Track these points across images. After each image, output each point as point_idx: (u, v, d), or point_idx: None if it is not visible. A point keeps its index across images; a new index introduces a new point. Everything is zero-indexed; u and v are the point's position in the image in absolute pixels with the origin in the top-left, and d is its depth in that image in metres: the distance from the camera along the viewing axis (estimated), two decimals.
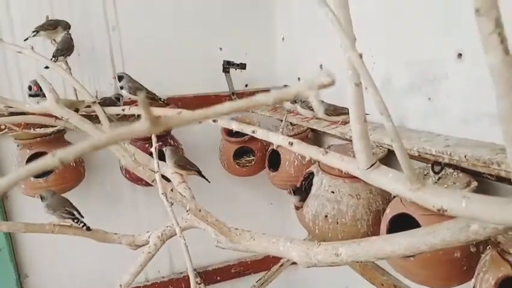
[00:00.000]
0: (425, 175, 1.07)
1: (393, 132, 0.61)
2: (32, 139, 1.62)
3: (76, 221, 1.13)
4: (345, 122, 1.33)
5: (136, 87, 1.54)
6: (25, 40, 1.56)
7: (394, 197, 1.29)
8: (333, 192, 1.25)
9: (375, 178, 0.68)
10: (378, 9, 1.34)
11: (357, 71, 0.68)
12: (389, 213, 1.10)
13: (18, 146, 1.66)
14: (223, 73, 1.96)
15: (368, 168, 0.68)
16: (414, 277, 1.06)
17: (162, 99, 1.72)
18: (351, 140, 1.34)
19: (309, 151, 0.82)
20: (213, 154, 2.02)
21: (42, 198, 1.15)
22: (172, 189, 1.12)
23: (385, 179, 0.67)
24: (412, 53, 1.25)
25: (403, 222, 1.06)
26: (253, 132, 1.07)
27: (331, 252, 0.89)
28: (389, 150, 1.21)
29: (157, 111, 1.45)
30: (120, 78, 1.54)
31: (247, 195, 2.19)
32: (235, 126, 1.15)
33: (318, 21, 1.71)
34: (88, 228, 1.15)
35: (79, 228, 1.15)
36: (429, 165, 1.06)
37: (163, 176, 1.24)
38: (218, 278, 2.16)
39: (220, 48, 2.04)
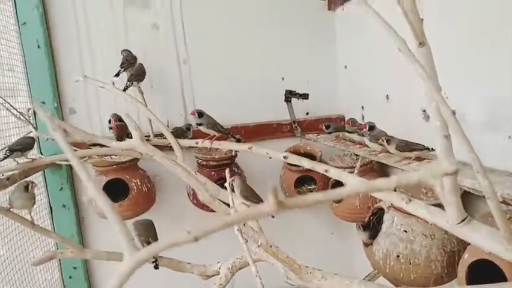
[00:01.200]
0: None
1: (490, 191, 0.60)
2: (108, 166, 1.74)
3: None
4: (420, 158, 1.31)
5: (213, 123, 1.61)
6: (116, 76, 1.69)
7: None
8: (405, 231, 1.22)
9: (466, 233, 0.67)
10: (452, 41, 1.32)
11: (445, 122, 0.68)
12: (468, 257, 1.06)
13: (95, 172, 1.79)
14: (285, 102, 1.99)
15: (458, 223, 0.67)
16: None
17: (235, 136, 1.78)
18: None
19: (391, 198, 0.81)
20: (274, 182, 2.04)
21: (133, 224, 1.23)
22: (244, 224, 1.15)
23: (478, 235, 0.66)
24: (489, 88, 1.20)
25: (483, 268, 1.01)
26: (326, 171, 1.08)
27: None
28: (464, 191, 1.16)
29: (230, 145, 1.51)
30: (200, 115, 1.62)
31: (308, 224, 2.19)
32: (306, 164, 1.17)
33: (382, 51, 1.70)
34: (156, 267, 1.20)
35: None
36: None
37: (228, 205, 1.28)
38: None
39: (283, 78, 2.08)
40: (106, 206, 0.41)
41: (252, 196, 1.62)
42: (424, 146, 1.31)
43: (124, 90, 1.60)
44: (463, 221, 0.67)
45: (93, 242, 1.93)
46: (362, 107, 1.94)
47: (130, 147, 1.11)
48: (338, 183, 1.76)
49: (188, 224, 2.04)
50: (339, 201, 1.74)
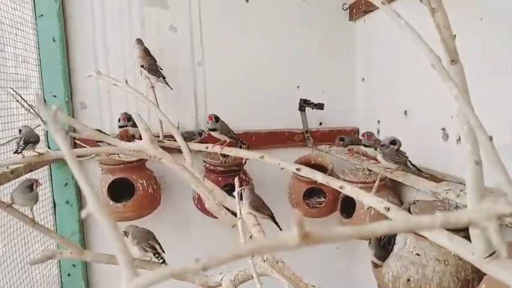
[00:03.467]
0: None
1: None
2: (115, 165, 1.71)
3: (156, 256, 1.15)
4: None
5: (227, 129, 1.58)
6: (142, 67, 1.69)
7: None
8: (418, 254, 1.17)
9: (493, 269, 0.62)
10: (477, 58, 1.26)
11: (477, 146, 0.63)
12: None
13: (102, 170, 1.76)
14: (299, 111, 1.95)
15: (486, 258, 0.62)
16: None
17: (244, 143, 1.75)
18: (439, 200, 1.26)
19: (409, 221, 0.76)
20: (282, 191, 2.00)
21: (125, 233, 1.19)
22: (251, 237, 1.10)
23: (507, 273, 0.60)
24: None
25: None
26: (341, 188, 1.04)
27: None
28: None
29: (241, 153, 1.47)
30: (217, 119, 1.58)
31: None
32: (320, 178, 1.12)
33: (403, 65, 1.65)
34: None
35: (157, 264, 1.17)
36: None
37: (233, 213, 1.23)
38: None
39: (298, 86, 2.04)
40: (107, 223, 0.36)
41: (261, 207, 1.57)
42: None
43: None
44: (491, 255, 0.62)
45: (95, 240, 1.89)
46: (378, 121, 1.89)
47: (139, 148, 1.08)
48: (348, 198, 1.71)
49: (192, 230, 2.01)
50: (348, 216, 1.69)
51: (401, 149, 1.41)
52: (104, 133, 1.35)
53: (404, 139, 1.44)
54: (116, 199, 1.73)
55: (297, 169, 1.15)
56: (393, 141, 1.42)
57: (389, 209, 0.84)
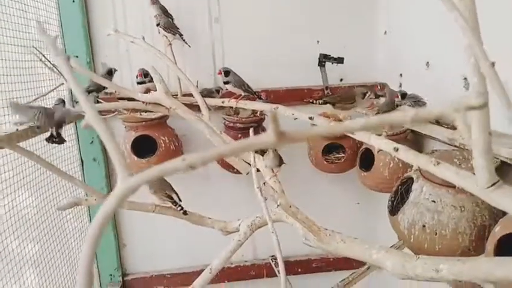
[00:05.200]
0: None
1: None
2: (138, 122, 1.76)
3: (174, 204, 1.20)
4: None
5: (240, 82, 1.58)
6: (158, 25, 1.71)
7: (505, 213, 1.17)
8: (434, 201, 1.17)
9: (496, 199, 0.62)
10: (502, 4, 1.20)
11: (483, 79, 0.62)
12: (500, 231, 1.00)
13: (125, 127, 1.82)
14: (319, 67, 1.92)
15: (488, 187, 0.62)
16: None
17: (261, 97, 1.75)
18: (458, 147, 1.24)
19: (418, 160, 0.76)
20: (301, 148, 2.00)
21: None
22: (264, 183, 1.13)
23: (509, 201, 0.60)
24: None
25: None
26: (353, 132, 1.03)
27: (431, 267, 0.83)
28: (502, 162, 1.09)
29: (255, 105, 1.48)
30: (227, 73, 1.58)
31: (334, 192, 2.15)
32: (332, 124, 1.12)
33: (425, 15, 1.59)
34: (185, 213, 1.22)
35: (177, 211, 1.22)
36: None
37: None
38: (299, 269, 2.16)
39: (318, 41, 2.00)
40: (100, 128, 0.39)
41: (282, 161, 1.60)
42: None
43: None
44: (493, 184, 0.62)
45: None
46: (400, 75, 1.84)
47: (155, 99, 1.11)
48: (367, 152, 1.71)
49: (212, 185, 2.07)
50: (367, 170, 1.69)
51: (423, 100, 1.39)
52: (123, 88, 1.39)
53: (426, 91, 1.41)
54: (140, 156, 1.80)
55: (310, 118, 1.16)
56: (404, 94, 1.39)
57: (397, 149, 0.84)
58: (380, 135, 1.04)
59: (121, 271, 2.03)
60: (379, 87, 1.55)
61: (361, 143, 1.84)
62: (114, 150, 0.39)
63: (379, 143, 0.90)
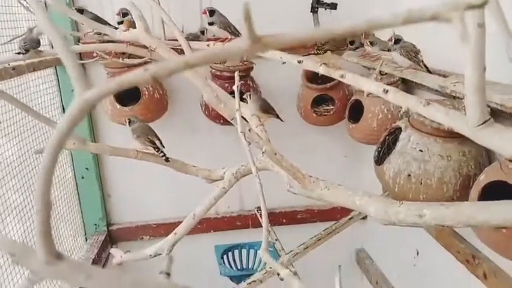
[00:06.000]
0: None
1: None
2: (120, 68, 1.69)
3: (156, 150, 1.17)
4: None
5: (226, 23, 1.49)
6: None
7: (490, 162, 1.17)
8: (421, 150, 1.15)
9: (485, 137, 0.60)
10: None
11: (489, 7, 0.57)
12: (484, 179, 0.99)
13: (107, 74, 1.75)
14: (311, 13, 1.84)
15: (479, 125, 0.59)
16: (504, 251, 0.96)
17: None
18: (450, 96, 1.21)
19: (408, 101, 0.73)
20: (290, 100, 1.96)
21: (129, 122, 1.21)
22: (250, 130, 1.10)
23: (500, 138, 0.58)
24: None
25: (498, 192, 0.95)
26: (342, 76, 0.99)
27: (414, 213, 0.82)
28: (493, 111, 1.06)
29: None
30: (211, 13, 1.49)
31: (322, 145, 2.14)
32: (322, 70, 1.08)
33: None
34: (167, 159, 1.19)
35: (160, 157, 1.19)
36: None
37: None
38: (284, 220, 2.19)
39: None
40: (57, 41, 0.35)
41: (270, 109, 1.57)
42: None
43: None
44: (484, 122, 0.59)
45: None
46: None
47: (134, 38, 1.05)
48: (356, 104, 1.67)
49: (199, 136, 2.03)
50: (356, 122, 1.66)
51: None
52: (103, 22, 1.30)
53: (417, 41, 1.36)
54: (123, 105, 1.74)
55: (299, 61, 1.11)
56: (398, 40, 1.34)
57: (387, 91, 0.81)
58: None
59: (105, 221, 2.02)
60: (363, 35, 1.49)
61: (351, 95, 1.80)
62: (70, 62, 0.35)
63: (368, 86, 0.86)
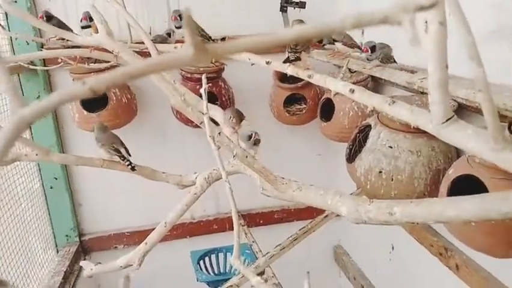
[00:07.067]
0: None
1: (482, 81, 0.51)
2: (86, 74, 1.63)
3: (122, 158, 1.13)
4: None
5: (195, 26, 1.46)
6: None
7: (459, 156, 1.18)
8: (391, 147, 1.16)
9: (450, 134, 0.60)
10: None
11: (442, 7, 0.57)
12: (452, 173, 1.01)
13: (73, 80, 1.69)
14: (280, 12, 1.83)
15: (443, 123, 0.59)
16: (474, 244, 0.97)
17: (216, 41, 1.65)
18: (418, 92, 1.22)
19: (373, 100, 0.73)
20: (263, 100, 1.95)
21: (94, 129, 1.17)
22: (219, 133, 1.08)
23: (463, 135, 0.58)
24: None
25: (466, 185, 0.96)
26: (310, 77, 0.99)
27: (384, 211, 0.82)
28: (460, 105, 1.08)
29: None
30: (181, 17, 1.46)
31: (296, 144, 2.14)
32: (290, 71, 1.07)
33: None
34: (133, 168, 1.15)
35: (125, 166, 1.16)
36: (506, 123, 0.93)
37: (212, 120, 1.20)
38: (261, 221, 2.18)
39: None
40: None
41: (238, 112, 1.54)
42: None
43: None
44: (448, 120, 0.59)
45: (74, 152, 1.88)
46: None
47: (96, 42, 1.01)
48: (328, 103, 1.68)
49: (171, 141, 1.99)
50: (327, 120, 1.67)
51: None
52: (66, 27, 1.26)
53: (387, 39, 1.37)
54: (91, 111, 1.69)
55: (267, 62, 1.10)
56: (374, 47, 1.34)
57: (353, 91, 0.80)
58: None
59: (77, 231, 1.96)
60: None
61: (322, 94, 1.81)
62: (8, 86, 0.32)
63: (335, 85, 0.86)
